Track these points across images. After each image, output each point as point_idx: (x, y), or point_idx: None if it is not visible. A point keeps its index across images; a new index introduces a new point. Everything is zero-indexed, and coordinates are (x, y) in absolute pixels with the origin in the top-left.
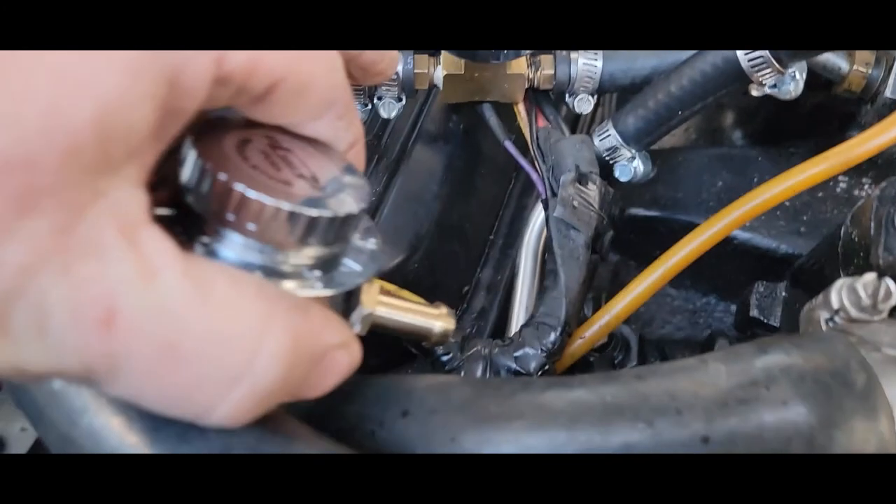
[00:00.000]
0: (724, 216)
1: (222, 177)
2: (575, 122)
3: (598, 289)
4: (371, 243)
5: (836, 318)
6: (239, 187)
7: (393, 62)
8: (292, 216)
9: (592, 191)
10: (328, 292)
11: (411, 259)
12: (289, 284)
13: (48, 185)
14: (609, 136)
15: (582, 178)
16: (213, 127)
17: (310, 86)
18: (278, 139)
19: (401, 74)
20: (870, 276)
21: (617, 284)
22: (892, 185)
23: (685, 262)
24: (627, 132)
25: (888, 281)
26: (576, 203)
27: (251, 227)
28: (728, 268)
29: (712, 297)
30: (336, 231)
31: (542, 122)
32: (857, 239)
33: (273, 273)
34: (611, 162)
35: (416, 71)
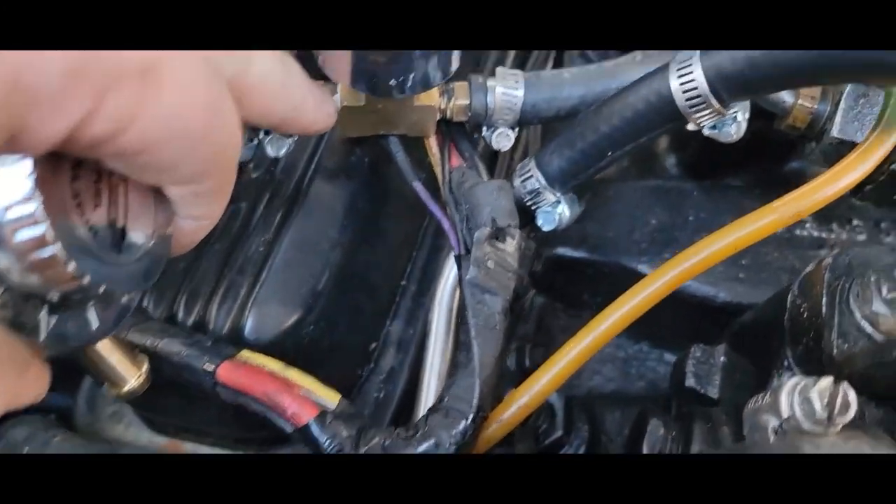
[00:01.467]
0: (662, 274)
1: (32, 204)
2: (494, 155)
3: (521, 339)
4: (125, 298)
5: (785, 426)
6: (40, 228)
7: (330, 118)
8: (67, 266)
9: (511, 247)
10: (52, 350)
11: (306, 320)
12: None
13: None
14: (531, 177)
15: (499, 234)
16: None
17: (176, 165)
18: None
19: None
20: (825, 382)
21: (543, 331)
22: (845, 254)
23: (617, 329)
24: (552, 173)
25: (846, 388)
26: (491, 264)
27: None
28: (663, 314)
29: (644, 343)
30: (86, 295)
31: (455, 161)
32: (805, 314)
33: (17, 295)
34: (533, 207)
35: None
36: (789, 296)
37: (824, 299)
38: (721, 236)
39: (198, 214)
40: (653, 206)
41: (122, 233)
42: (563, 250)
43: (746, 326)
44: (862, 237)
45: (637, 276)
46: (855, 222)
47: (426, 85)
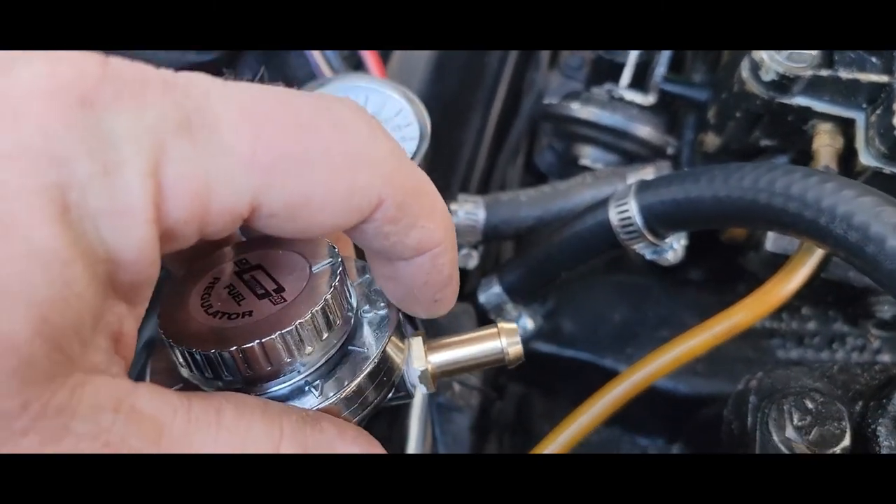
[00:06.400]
0: (634, 372)
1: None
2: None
3: (501, 426)
4: (377, 308)
5: None
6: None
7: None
8: (250, 352)
9: None
10: (332, 399)
11: None
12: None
13: (12, 408)
14: (494, 292)
15: None
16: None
17: (310, 207)
18: (248, 259)
19: None
20: None
21: (521, 417)
22: (767, 376)
23: (593, 425)
24: (512, 288)
25: None
26: (456, 385)
27: (227, 376)
28: (633, 405)
29: (617, 428)
30: (306, 340)
31: None
32: (737, 433)
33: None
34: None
35: None
36: (725, 412)
37: (749, 419)
38: (686, 338)
39: (412, 245)
40: (617, 302)
41: None
42: (536, 344)
43: (700, 425)
44: (811, 325)
45: (602, 370)
46: (804, 311)
47: None
